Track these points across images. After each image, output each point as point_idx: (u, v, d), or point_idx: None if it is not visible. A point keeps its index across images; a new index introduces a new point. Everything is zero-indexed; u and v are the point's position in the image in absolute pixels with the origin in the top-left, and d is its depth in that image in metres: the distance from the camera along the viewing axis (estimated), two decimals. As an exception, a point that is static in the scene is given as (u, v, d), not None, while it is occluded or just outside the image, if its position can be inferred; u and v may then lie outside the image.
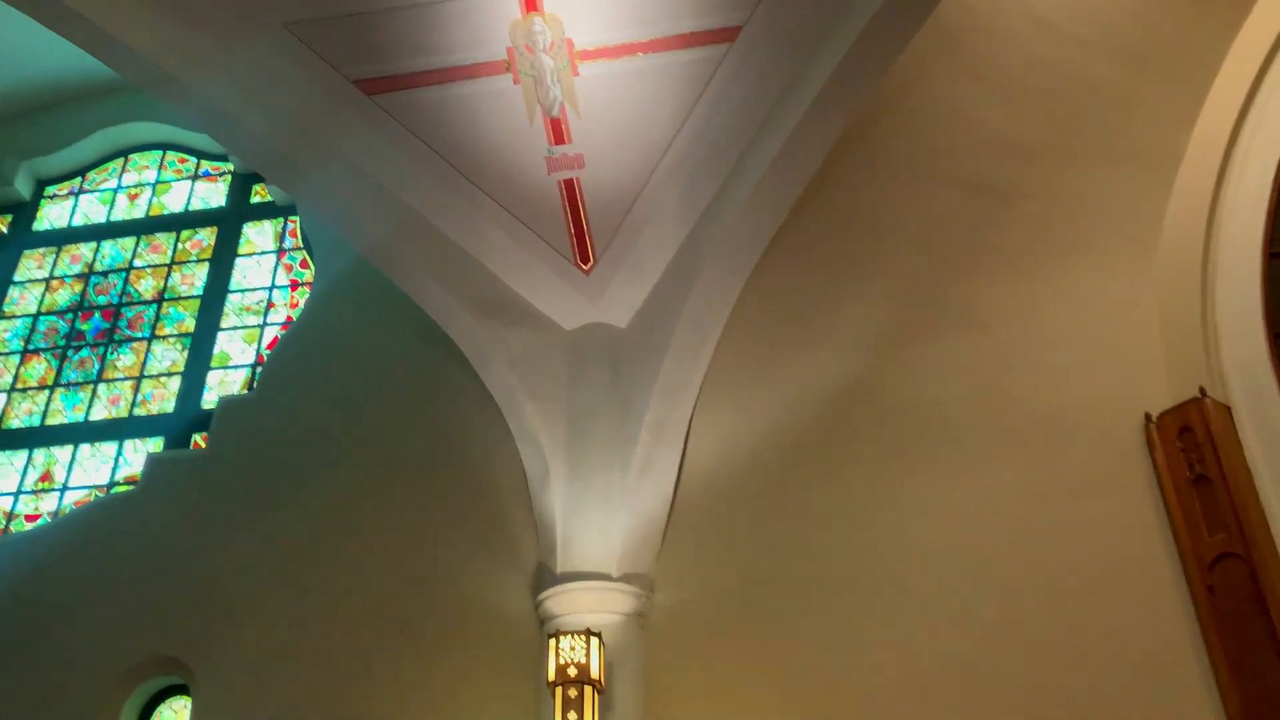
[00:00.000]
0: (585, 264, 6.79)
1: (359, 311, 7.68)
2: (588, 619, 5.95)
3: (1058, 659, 5.67)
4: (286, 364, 7.76)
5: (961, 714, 5.64)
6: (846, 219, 6.60)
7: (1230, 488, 5.62)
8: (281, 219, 8.84)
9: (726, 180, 6.29)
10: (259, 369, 8.02)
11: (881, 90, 6.12)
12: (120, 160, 9.49)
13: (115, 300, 8.73)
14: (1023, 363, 6.42)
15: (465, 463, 6.90)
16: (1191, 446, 5.85)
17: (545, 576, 6.32)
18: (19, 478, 7.91)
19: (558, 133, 6.37)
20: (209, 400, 8.00)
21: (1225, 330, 6.15)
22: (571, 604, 6.10)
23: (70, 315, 8.68)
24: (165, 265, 8.86)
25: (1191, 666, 5.48)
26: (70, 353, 8.50)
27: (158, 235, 9.04)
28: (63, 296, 8.83)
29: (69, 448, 8.01)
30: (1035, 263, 6.55)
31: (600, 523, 6.35)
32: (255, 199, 9.05)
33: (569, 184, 6.54)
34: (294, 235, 8.74)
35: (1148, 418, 6.08)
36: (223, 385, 8.16)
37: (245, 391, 7.98)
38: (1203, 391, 5.90)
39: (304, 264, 8.55)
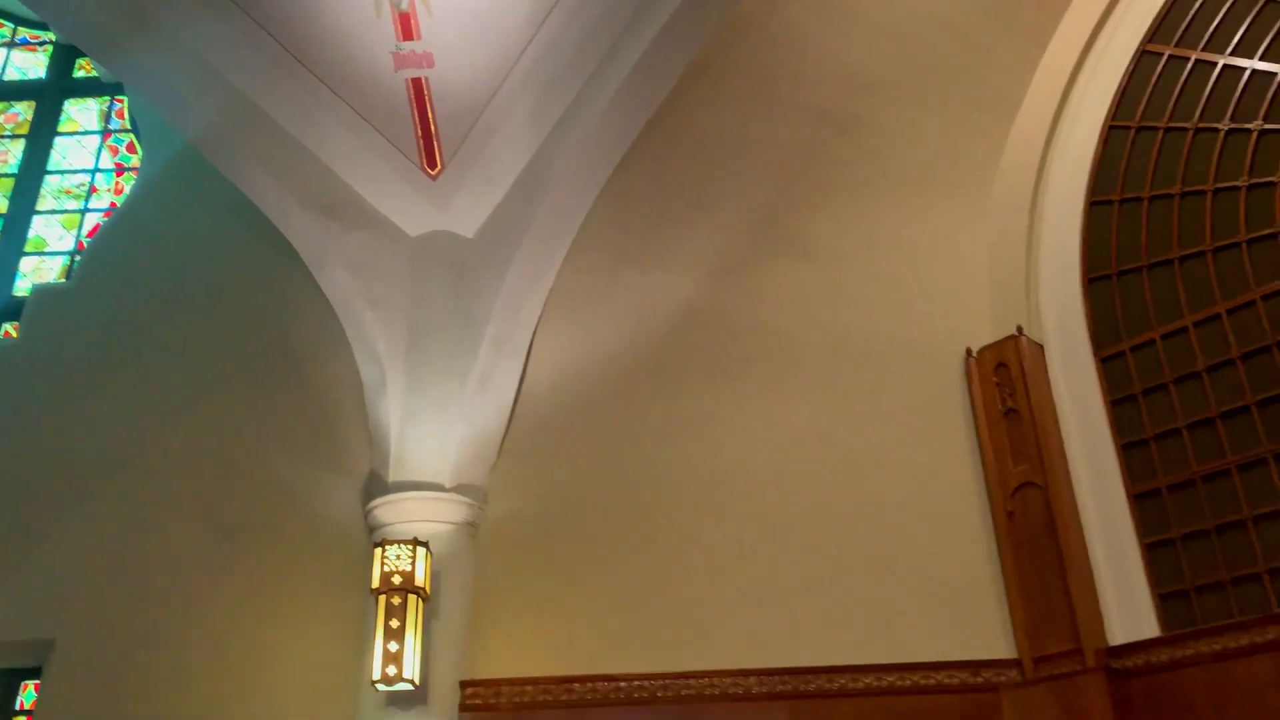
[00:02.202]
0: (432, 169, 6.59)
1: (189, 202, 7.27)
2: (418, 528, 5.93)
3: (870, 574, 5.99)
4: (109, 253, 7.32)
5: (781, 625, 5.91)
6: (696, 142, 6.58)
7: (1035, 422, 5.99)
8: (108, 97, 8.24)
9: (579, 95, 6.15)
10: (78, 257, 7.54)
11: (737, 15, 6.08)
12: (-77, 20, 8.64)
13: (-84, 174, 8.02)
14: (856, 293, 6.62)
15: (297, 366, 6.70)
16: (1005, 381, 6.19)
17: (376, 485, 6.25)
18: None
19: (406, 28, 6.09)
20: (21, 287, 7.50)
21: (1045, 272, 6.48)
22: (402, 513, 6.07)
23: None
24: (-25, 139, 8.17)
25: (987, 584, 5.88)
26: None
27: (-34, 106, 8.31)
28: None
29: None
30: (875, 196, 6.70)
31: (436, 433, 6.29)
32: (79, 73, 8.41)
33: (417, 83, 6.29)
34: (121, 116, 8.17)
35: (969, 352, 6.38)
36: (37, 272, 7.66)
37: (62, 280, 7.51)
38: (1020, 330, 6.22)
39: (131, 148, 8.03)
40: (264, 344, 6.79)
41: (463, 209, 6.61)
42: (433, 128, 6.45)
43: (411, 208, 6.60)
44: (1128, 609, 5.65)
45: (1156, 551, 5.67)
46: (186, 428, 6.55)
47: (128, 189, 7.78)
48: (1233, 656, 5.16)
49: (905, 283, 6.60)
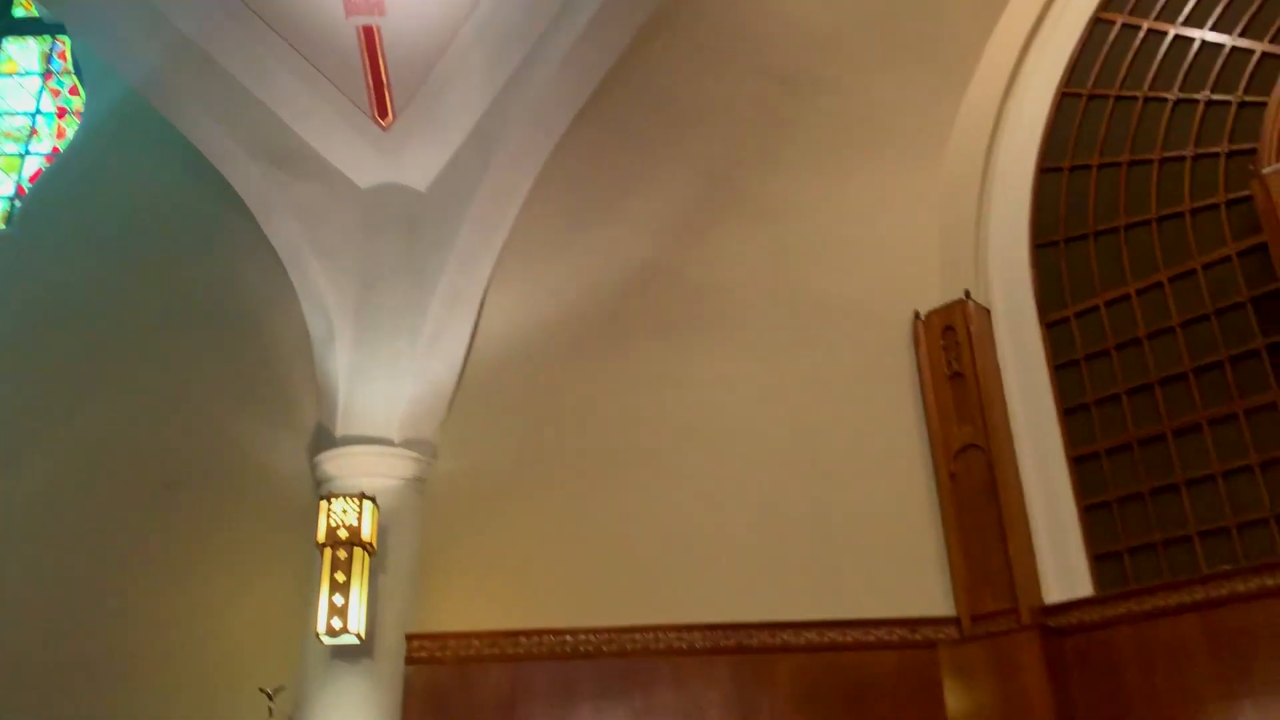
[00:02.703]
0: (384, 119, 6.49)
1: (134, 148, 7.11)
2: (365, 483, 5.92)
3: (815, 532, 6.07)
4: (51, 199, 7.19)
5: (727, 581, 5.98)
6: (652, 99, 6.50)
7: (980, 385, 6.07)
8: (49, 37, 8.00)
9: (535, 47, 6.08)
10: (18, 202, 7.36)
11: (696, -31, 6.05)
12: None
13: None
14: (808, 254, 6.64)
15: (243, 317, 6.62)
16: (952, 344, 6.26)
17: (324, 438, 6.22)
18: None
19: (358, -26, 5.97)
20: (-42, 233, 7.32)
21: (995, 237, 6.53)
22: (349, 467, 6.05)
23: None
24: (-91, 77, 7.92)
25: (928, 543, 5.98)
26: None
27: (-100, 42, 8.04)
28: None
29: None
30: (829, 157, 6.69)
31: (385, 387, 6.26)
32: (19, 11, 8.15)
33: (368, 31, 6.17)
34: (63, 58, 7.95)
35: (916, 315, 6.44)
36: (-25, 217, 7.47)
37: (2, 226, 7.32)
38: (967, 294, 6.28)
39: (74, 90, 7.81)
40: (210, 294, 6.69)
41: (415, 161, 6.52)
42: (384, 77, 6.34)
43: (362, 158, 6.51)
44: (1063, 569, 5.77)
45: (1093, 514, 5.80)
46: (129, 377, 6.46)
47: (70, 133, 7.59)
48: (1161, 616, 5.31)
49: (856, 245, 6.63)
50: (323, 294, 6.33)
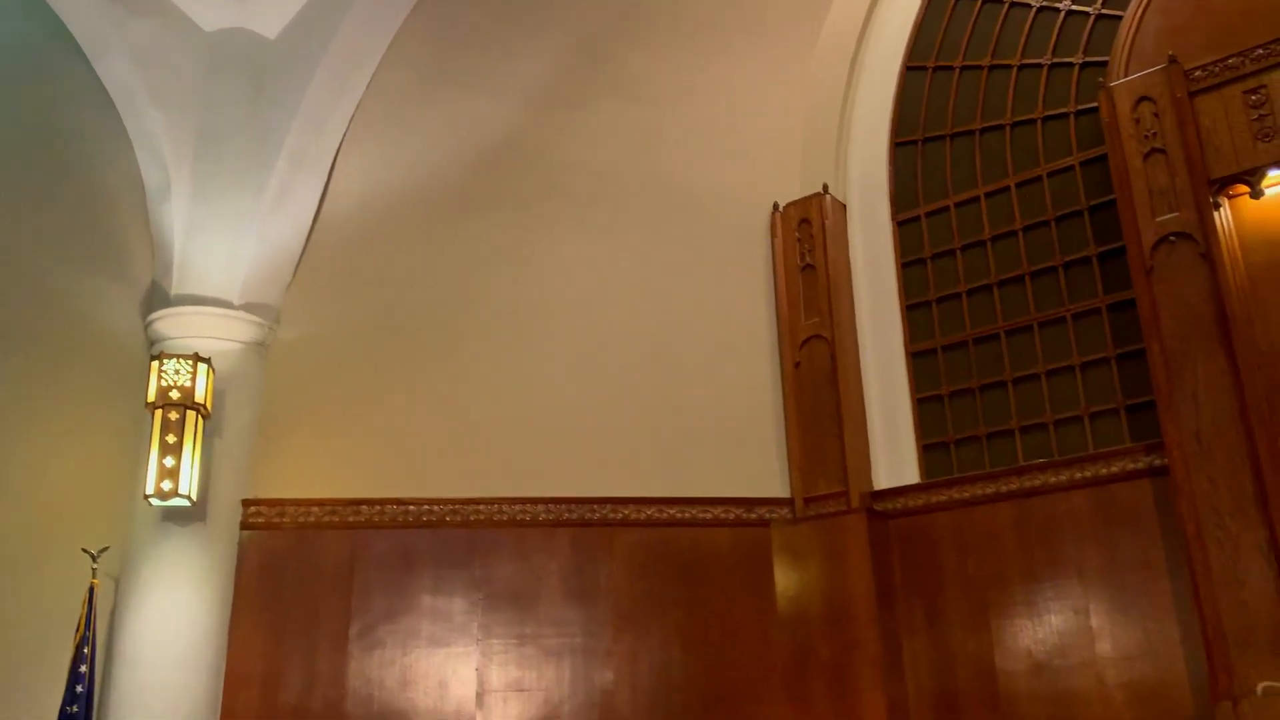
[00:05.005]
0: (230, -45, 6.03)
1: (-56, -34, 6.40)
2: (202, 344, 5.70)
3: (660, 412, 6.19)
4: None
5: (571, 457, 6.05)
6: (523, -43, 6.26)
7: (830, 278, 6.21)
8: None
9: (398, -113, 5.73)
10: None
11: None
12: None
13: None
14: (674, 138, 6.56)
15: (71, 163, 6.07)
16: (806, 237, 6.36)
17: (158, 296, 5.93)
18: None
19: None
20: None
21: (857, 131, 6.62)
22: (185, 327, 5.82)
23: None
24: None
25: (769, 428, 6.20)
26: None
27: None
28: None
29: None
30: (702, 41, 6.54)
31: (225, 247, 5.98)
32: None
33: None
34: None
35: (775, 206, 6.49)
36: None
37: None
38: (825, 188, 6.36)
39: (-126, -106, 6.95)
40: (33, 136, 6.05)
41: (264, 5, 6.10)
42: (231, -92, 5.87)
43: (206, -2, 6.06)
44: (894, 457, 6.07)
45: (925, 406, 6.07)
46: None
47: None
48: (979, 503, 5.66)
49: (723, 132, 6.58)
50: (159, 142, 5.94)
